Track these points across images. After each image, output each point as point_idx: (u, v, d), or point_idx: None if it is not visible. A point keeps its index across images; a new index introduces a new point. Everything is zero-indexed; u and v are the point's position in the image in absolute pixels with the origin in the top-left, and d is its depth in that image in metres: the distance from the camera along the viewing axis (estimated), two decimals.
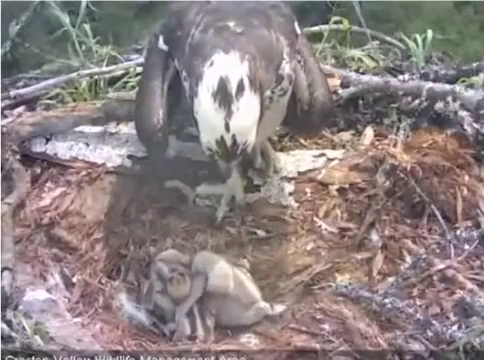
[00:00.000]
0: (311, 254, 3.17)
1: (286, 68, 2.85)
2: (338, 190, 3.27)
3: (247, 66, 2.64)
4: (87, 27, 3.86)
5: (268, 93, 2.81)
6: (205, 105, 2.62)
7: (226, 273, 2.98)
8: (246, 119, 2.63)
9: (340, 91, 3.45)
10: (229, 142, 2.62)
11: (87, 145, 3.47)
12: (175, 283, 2.95)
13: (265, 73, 2.73)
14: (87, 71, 3.75)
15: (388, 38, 3.94)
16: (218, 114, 2.60)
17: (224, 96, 2.60)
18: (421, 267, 2.96)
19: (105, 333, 2.90)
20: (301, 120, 3.02)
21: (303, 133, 3.38)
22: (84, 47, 3.89)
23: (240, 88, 2.61)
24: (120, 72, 3.77)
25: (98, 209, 3.32)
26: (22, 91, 3.75)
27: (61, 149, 3.47)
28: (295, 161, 3.38)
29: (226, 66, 2.63)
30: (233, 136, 2.62)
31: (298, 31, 2.97)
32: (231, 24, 2.76)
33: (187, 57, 2.79)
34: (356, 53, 3.78)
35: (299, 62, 2.95)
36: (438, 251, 3.03)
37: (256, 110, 2.65)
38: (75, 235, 3.24)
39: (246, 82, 2.62)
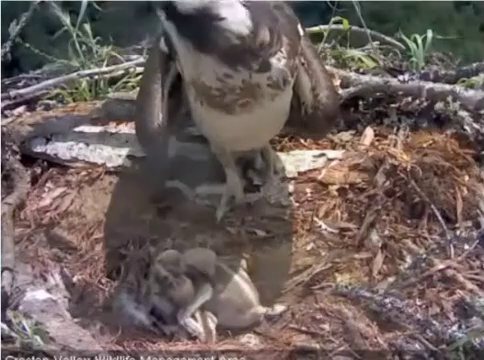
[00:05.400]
0: (311, 254, 3.17)
1: (281, 61, 2.78)
2: (338, 190, 3.27)
3: None
4: (87, 27, 3.86)
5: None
6: None
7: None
8: None
9: (340, 91, 3.44)
10: None
11: (87, 145, 3.47)
12: (176, 286, 2.94)
13: None
14: (87, 71, 3.75)
15: (388, 38, 3.93)
16: None
17: None
18: (421, 267, 2.96)
19: (105, 333, 2.90)
20: (306, 123, 3.00)
21: (309, 136, 3.36)
22: (84, 47, 3.89)
23: None
24: (120, 72, 3.77)
25: (98, 209, 3.32)
26: (22, 91, 3.75)
27: (61, 149, 3.47)
28: (295, 161, 3.37)
29: None
30: None
31: (301, 33, 2.94)
32: None
33: None
34: (356, 53, 3.77)
35: (302, 64, 2.91)
36: (438, 251, 3.03)
37: None
38: (75, 235, 3.24)
39: None
